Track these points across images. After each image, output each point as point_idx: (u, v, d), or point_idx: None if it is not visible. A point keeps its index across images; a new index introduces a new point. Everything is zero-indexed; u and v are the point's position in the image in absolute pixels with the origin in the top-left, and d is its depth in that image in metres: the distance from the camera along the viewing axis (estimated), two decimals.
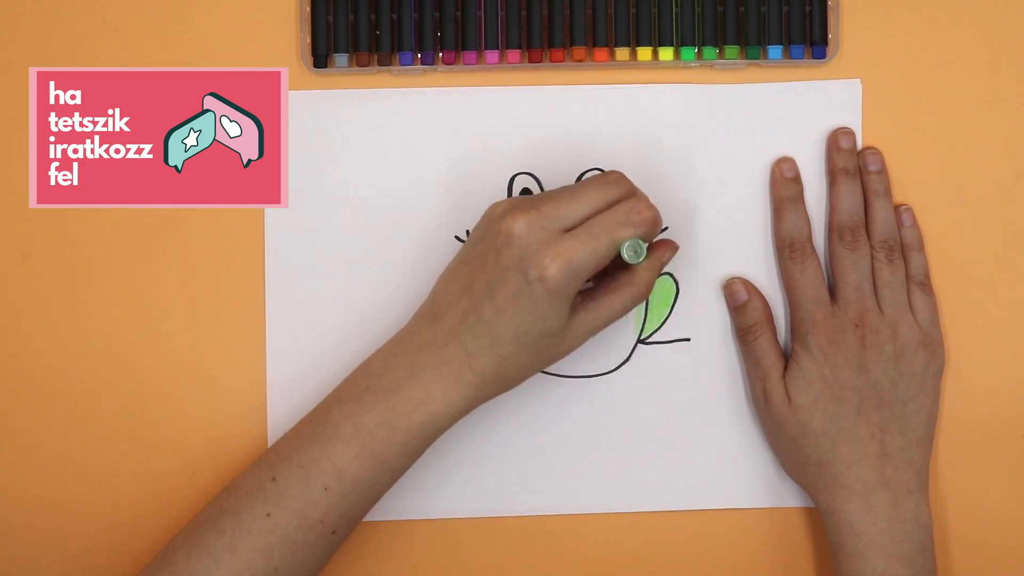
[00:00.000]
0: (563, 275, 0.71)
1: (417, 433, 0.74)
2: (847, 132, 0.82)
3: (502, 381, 0.74)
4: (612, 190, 0.74)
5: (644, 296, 0.75)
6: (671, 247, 0.77)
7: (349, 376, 0.76)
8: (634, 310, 0.82)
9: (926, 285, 0.81)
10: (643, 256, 0.72)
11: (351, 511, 0.74)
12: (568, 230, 0.72)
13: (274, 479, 0.74)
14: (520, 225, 0.72)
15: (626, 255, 0.72)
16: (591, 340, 0.75)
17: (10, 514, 0.82)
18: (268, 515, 0.73)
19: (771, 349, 0.80)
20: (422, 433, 0.74)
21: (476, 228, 0.75)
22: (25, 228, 0.82)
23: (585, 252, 0.71)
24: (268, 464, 0.75)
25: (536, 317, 0.72)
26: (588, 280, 0.74)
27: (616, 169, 0.75)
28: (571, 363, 0.82)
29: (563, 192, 0.74)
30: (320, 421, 0.75)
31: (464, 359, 0.73)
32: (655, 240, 0.76)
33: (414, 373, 0.74)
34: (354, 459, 0.73)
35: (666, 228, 0.82)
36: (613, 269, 0.75)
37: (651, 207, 0.73)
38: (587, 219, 0.73)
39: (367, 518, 0.81)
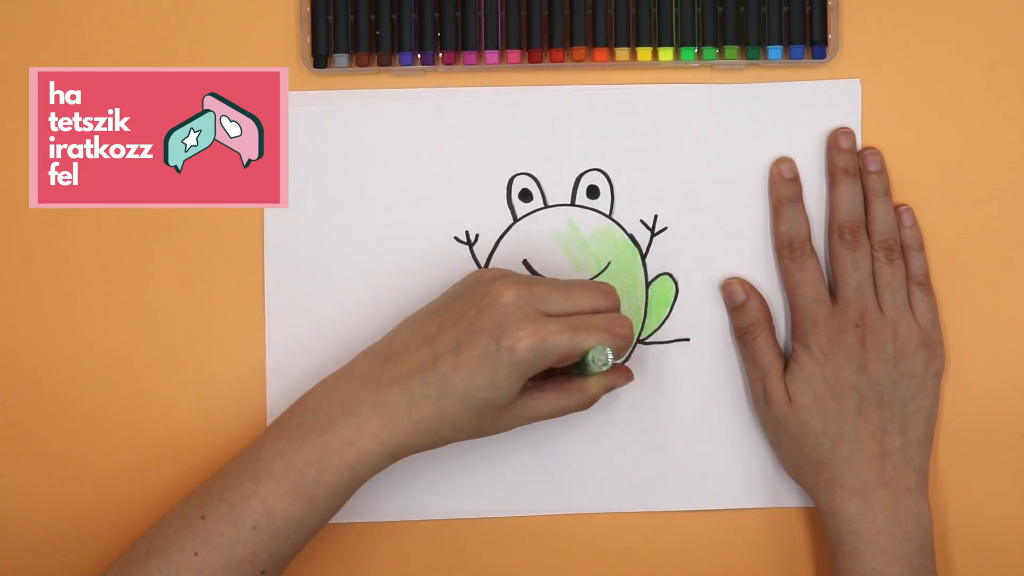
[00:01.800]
0: (532, 352, 0.71)
1: (347, 473, 0.73)
2: (847, 132, 0.82)
3: (433, 435, 0.74)
4: (602, 300, 0.75)
5: (586, 406, 0.76)
6: (627, 374, 0.77)
7: (285, 411, 0.76)
8: (635, 312, 0.82)
9: (926, 285, 0.81)
10: (605, 368, 0.73)
11: (279, 551, 0.74)
12: (551, 317, 0.73)
13: (203, 517, 0.74)
14: (510, 294, 0.73)
15: (591, 360, 0.73)
16: None
17: (10, 512, 0.82)
18: (196, 554, 0.73)
19: (770, 349, 0.80)
20: (351, 474, 0.73)
21: (458, 285, 0.76)
22: (25, 228, 0.82)
23: (562, 340, 0.72)
24: (198, 502, 0.74)
25: (491, 384, 0.72)
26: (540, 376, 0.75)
27: (610, 284, 0.76)
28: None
29: (558, 283, 0.75)
30: (252, 458, 0.74)
31: (406, 404, 0.73)
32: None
33: (350, 410, 0.74)
34: (283, 497, 0.73)
35: (665, 229, 0.83)
36: (566, 372, 0.76)
37: (631, 327, 0.74)
38: (572, 315, 0.74)
39: (366, 519, 0.82)
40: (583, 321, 0.73)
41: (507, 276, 0.75)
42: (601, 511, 0.83)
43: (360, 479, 0.74)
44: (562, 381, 0.76)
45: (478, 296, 0.74)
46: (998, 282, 0.83)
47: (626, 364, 0.82)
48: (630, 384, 0.82)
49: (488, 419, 0.74)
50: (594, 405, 0.81)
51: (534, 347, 0.72)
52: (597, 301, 0.75)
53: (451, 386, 0.73)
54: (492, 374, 0.72)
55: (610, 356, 0.73)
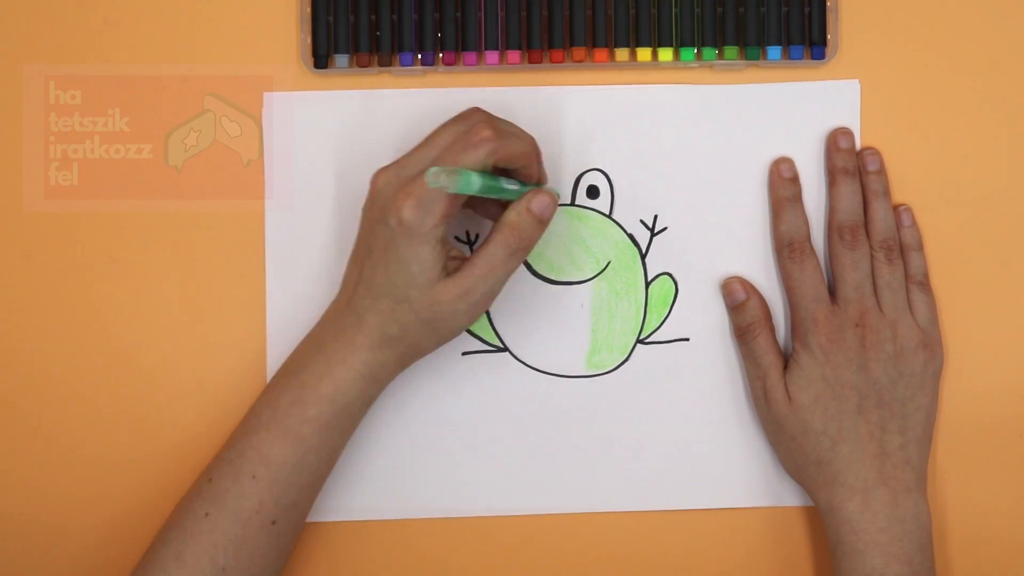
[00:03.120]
0: (416, 212, 0.71)
1: (328, 406, 0.75)
2: (846, 132, 0.82)
3: (390, 342, 0.74)
4: (462, 124, 0.74)
5: (514, 241, 0.73)
6: (545, 194, 0.74)
7: (276, 372, 0.78)
8: (635, 312, 0.82)
9: (925, 285, 0.81)
10: (463, 183, 0.68)
11: (284, 497, 0.75)
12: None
13: (210, 480, 0.76)
14: (381, 180, 0.74)
15: (429, 182, 0.68)
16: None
17: (14, 508, 0.82)
18: (207, 515, 0.75)
19: (770, 348, 0.81)
20: (332, 405, 0.75)
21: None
22: (25, 228, 0.82)
23: (432, 183, 0.70)
24: (207, 469, 0.77)
25: (401, 265, 0.73)
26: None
27: (473, 106, 0.75)
28: (571, 363, 0.82)
29: (421, 141, 0.75)
30: (247, 417, 0.77)
31: (356, 323, 0.75)
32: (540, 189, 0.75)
33: (319, 348, 0.76)
34: (274, 442, 0.75)
35: (665, 229, 0.83)
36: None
37: (488, 126, 0.72)
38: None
39: (366, 518, 0.82)
40: (442, 155, 0.73)
41: (381, 168, 0.75)
42: (601, 510, 0.83)
43: (343, 408, 0.75)
44: (482, 244, 0.74)
45: (367, 199, 0.75)
46: (997, 282, 0.83)
47: (625, 360, 0.82)
48: (630, 384, 0.82)
49: (424, 306, 0.73)
50: (594, 405, 0.82)
51: (414, 208, 0.72)
52: (459, 127, 0.74)
53: (377, 286, 0.74)
54: (397, 254, 0.72)
55: (442, 176, 0.68)
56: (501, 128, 0.74)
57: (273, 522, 0.75)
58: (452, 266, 0.74)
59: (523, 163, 0.75)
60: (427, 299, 0.73)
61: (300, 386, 0.75)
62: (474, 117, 0.75)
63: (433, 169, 0.69)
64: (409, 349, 0.76)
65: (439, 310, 0.74)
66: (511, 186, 0.74)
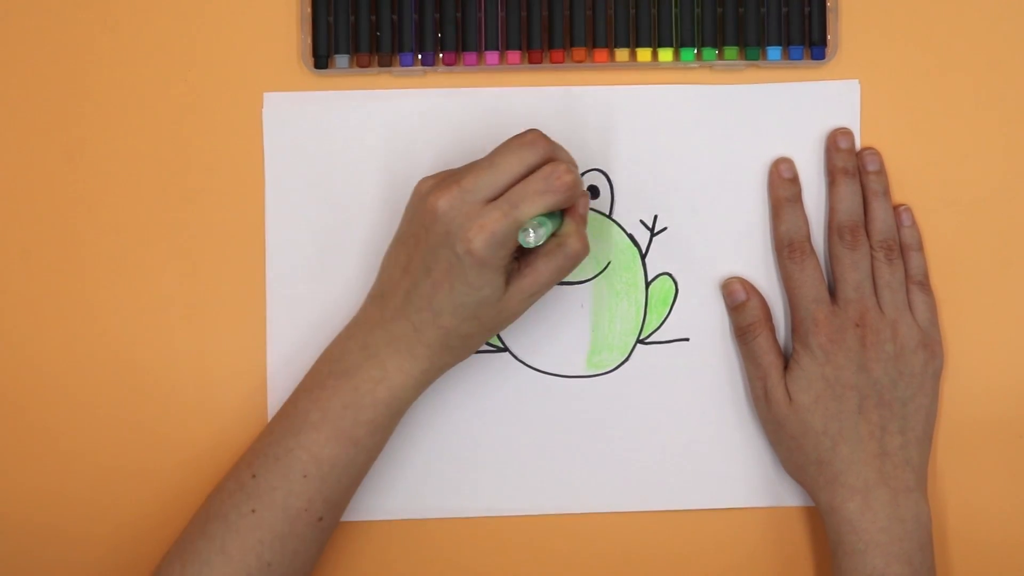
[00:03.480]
0: (488, 246, 0.72)
1: (383, 409, 0.76)
2: (846, 132, 0.82)
3: (450, 350, 0.76)
4: (529, 153, 0.74)
5: (578, 252, 0.75)
6: (584, 196, 0.76)
7: (312, 367, 0.78)
8: (635, 312, 0.82)
9: (925, 285, 0.81)
10: (547, 235, 0.72)
11: (333, 495, 0.76)
12: (492, 199, 0.73)
13: (254, 476, 0.75)
14: (443, 202, 0.73)
15: (521, 240, 0.71)
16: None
17: (12, 510, 0.82)
18: (253, 511, 0.75)
19: (770, 348, 0.81)
20: (388, 409, 0.76)
21: (407, 207, 0.77)
22: (25, 228, 0.82)
23: (507, 222, 0.72)
24: (246, 463, 0.76)
25: (471, 289, 0.73)
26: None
27: (534, 128, 0.75)
28: (571, 363, 0.82)
29: (482, 163, 0.74)
30: (289, 413, 0.77)
31: (412, 334, 0.75)
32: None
33: (370, 353, 0.76)
34: (327, 443, 0.75)
35: (665, 229, 0.83)
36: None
37: (569, 171, 0.73)
38: (509, 186, 0.73)
39: (366, 518, 0.82)
40: (518, 193, 0.73)
41: (438, 184, 0.74)
42: (601, 511, 0.83)
43: (397, 411, 0.76)
44: (544, 245, 0.75)
45: (421, 214, 0.74)
46: (997, 282, 0.83)
47: (625, 361, 0.82)
48: (630, 384, 0.82)
49: (490, 316, 0.75)
50: (594, 405, 0.82)
51: (486, 241, 0.72)
52: (527, 158, 0.74)
53: (439, 305, 0.74)
54: (465, 280, 0.73)
55: (532, 233, 0.71)
56: (573, 166, 0.75)
57: (320, 519, 0.75)
58: (511, 269, 0.75)
59: (578, 201, 0.75)
60: (496, 311, 0.75)
61: (354, 390, 0.75)
62: (539, 146, 0.74)
63: (523, 232, 0.71)
64: (466, 352, 0.77)
65: (504, 315, 0.75)
66: (556, 218, 0.75)
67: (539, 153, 0.74)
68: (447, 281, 0.73)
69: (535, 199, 0.72)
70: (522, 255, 0.75)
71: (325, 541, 0.77)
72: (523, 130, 0.75)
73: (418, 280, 0.74)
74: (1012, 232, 0.83)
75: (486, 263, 0.72)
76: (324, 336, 0.81)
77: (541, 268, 0.75)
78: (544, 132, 0.75)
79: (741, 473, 0.82)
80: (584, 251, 0.75)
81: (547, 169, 0.73)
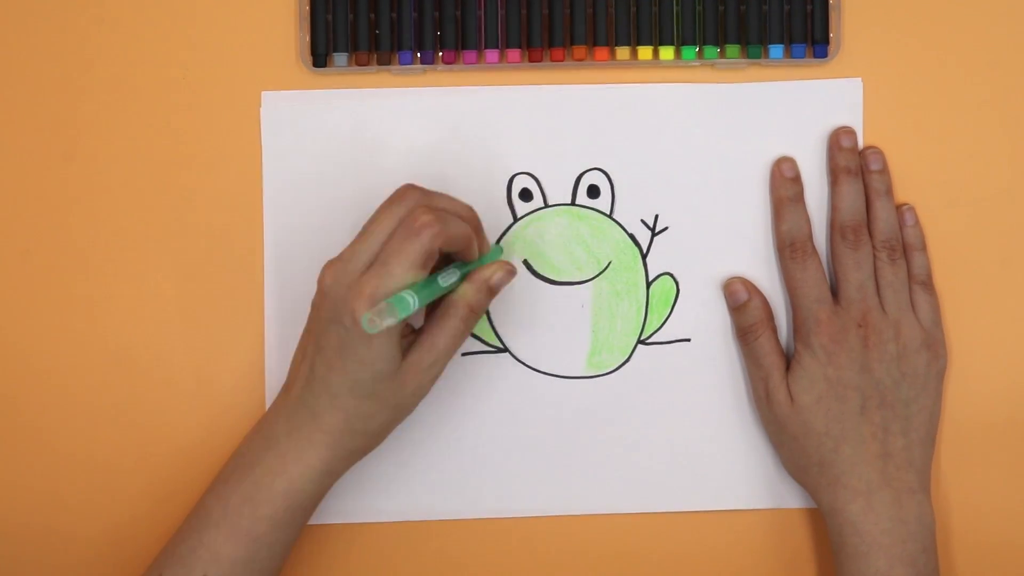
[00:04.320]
0: (371, 315, 0.69)
1: (281, 503, 0.74)
2: (848, 131, 0.81)
3: (353, 435, 0.74)
4: (399, 208, 0.72)
5: (469, 318, 0.73)
6: (498, 266, 0.74)
7: (224, 463, 0.77)
8: (636, 312, 0.82)
9: (928, 285, 0.81)
10: (402, 313, 0.68)
11: None
12: (372, 265, 0.72)
13: (161, 575, 0.75)
14: (328, 278, 0.72)
15: (365, 326, 0.68)
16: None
17: (10, 511, 0.82)
18: None
19: (772, 349, 0.80)
20: (285, 502, 0.74)
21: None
22: (24, 227, 0.82)
23: (384, 283, 0.70)
24: (157, 563, 0.76)
25: (362, 364, 0.71)
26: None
27: (407, 182, 0.74)
28: (571, 363, 0.82)
29: (360, 231, 0.73)
30: (197, 510, 0.76)
31: (311, 421, 0.74)
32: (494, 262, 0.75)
33: (270, 444, 0.75)
34: (226, 541, 0.74)
35: (666, 228, 0.82)
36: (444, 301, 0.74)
37: (429, 211, 0.71)
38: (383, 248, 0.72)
39: (365, 520, 0.82)
40: (386, 250, 0.71)
41: (328, 262, 0.73)
42: (601, 512, 0.82)
43: (298, 505, 0.74)
44: (437, 312, 0.74)
45: (315, 295, 0.74)
46: (1000, 281, 0.82)
47: (626, 361, 0.82)
48: (630, 384, 0.82)
49: (390, 393, 0.73)
50: (594, 405, 0.81)
51: (368, 309, 0.70)
52: (397, 213, 0.72)
53: (335, 385, 0.72)
54: (356, 356, 0.71)
55: (376, 319, 0.67)
56: (440, 208, 0.72)
57: None
58: (407, 341, 0.74)
59: (465, 244, 0.73)
60: (394, 386, 0.73)
61: (253, 483, 0.74)
62: (409, 198, 0.73)
63: (366, 315, 0.68)
64: (371, 438, 0.75)
65: (405, 391, 0.73)
66: (448, 281, 0.73)
67: (408, 205, 0.72)
68: (339, 358, 0.72)
69: (403, 251, 0.70)
70: (422, 326, 0.74)
71: None
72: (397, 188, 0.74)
73: (313, 362, 0.73)
74: (1016, 231, 0.82)
75: (371, 334, 0.70)
76: None
77: (436, 335, 0.73)
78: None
79: (743, 475, 0.82)
80: (474, 316, 0.73)
81: (407, 219, 0.71)
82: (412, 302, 0.69)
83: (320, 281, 0.73)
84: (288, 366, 0.79)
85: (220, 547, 0.74)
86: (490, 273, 0.74)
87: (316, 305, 0.74)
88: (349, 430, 0.74)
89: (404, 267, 0.70)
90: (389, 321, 0.68)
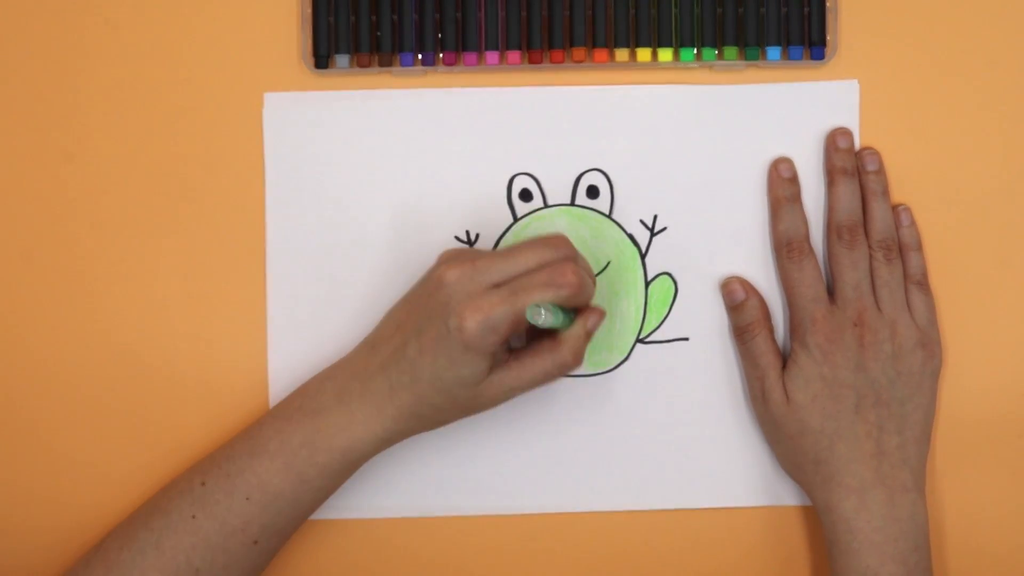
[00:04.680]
0: (479, 329, 0.71)
1: (339, 456, 0.75)
2: (845, 132, 0.82)
3: (418, 419, 0.75)
4: (548, 252, 0.74)
5: (569, 363, 0.75)
6: (598, 313, 0.76)
7: (288, 396, 0.78)
8: (635, 311, 0.83)
9: (924, 285, 0.81)
10: (556, 321, 0.71)
11: (272, 524, 0.76)
12: (499, 286, 0.73)
13: (203, 483, 0.76)
14: (452, 274, 0.73)
15: (529, 316, 0.70)
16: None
17: (11, 510, 0.82)
18: (193, 517, 0.76)
19: (769, 348, 0.81)
20: (343, 457, 0.76)
21: (427, 271, 0.77)
22: (25, 227, 0.82)
23: (504, 309, 0.72)
24: (201, 469, 0.77)
25: (452, 364, 0.73)
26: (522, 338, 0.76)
27: (561, 233, 0.76)
28: None
29: (503, 250, 0.75)
30: (253, 434, 0.77)
31: (387, 392, 0.75)
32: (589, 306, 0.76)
33: (342, 399, 0.76)
34: (277, 473, 0.75)
35: (664, 228, 0.83)
36: (547, 333, 0.75)
37: (577, 272, 0.73)
38: (519, 277, 0.73)
39: (365, 516, 0.82)
40: (522, 282, 0.73)
41: (453, 257, 0.75)
42: (600, 510, 0.83)
43: (352, 463, 0.76)
44: (537, 344, 0.75)
45: (430, 280, 0.75)
46: (996, 281, 0.83)
47: (625, 360, 0.82)
48: (629, 383, 0.82)
49: (466, 396, 0.74)
50: (592, 405, 0.82)
51: (479, 323, 0.71)
52: (546, 256, 0.74)
53: (420, 370, 0.74)
54: (449, 355, 0.73)
55: (543, 312, 0.70)
56: (583, 271, 0.74)
57: (255, 542, 0.76)
58: (500, 359, 0.75)
59: (583, 305, 0.75)
60: (471, 394, 0.74)
61: (316, 430, 0.76)
62: (562, 247, 0.74)
63: (532, 307, 0.70)
64: (433, 424, 0.77)
65: (480, 402, 0.75)
66: (568, 318, 0.75)
67: (558, 254, 0.74)
68: (432, 350, 0.73)
69: (535, 291, 0.72)
70: (515, 349, 0.75)
71: (262, 564, 0.77)
72: (550, 233, 0.76)
73: (408, 340, 0.74)
74: (1011, 232, 0.83)
75: (472, 345, 0.72)
76: (324, 336, 0.81)
77: (528, 366, 0.75)
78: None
79: (739, 472, 0.83)
80: (575, 364, 0.75)
81: (556, 266, 0.73)
82: (560, 320, 0.72)
83: (441, 270, 0.74)
84: (289, 363, 0.80)
85: (269, 478, 0.75)
86: (587, 319, 0.75)
87: (428, 289, 0.75)
88: (416, 414, 0.75)
89: (530, 305, 0.72)
90: (547, 322, 0.70)
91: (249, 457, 0.76)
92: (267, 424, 0.77)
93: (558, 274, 0.73)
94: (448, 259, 0.75)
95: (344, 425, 0.75)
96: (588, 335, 0.75)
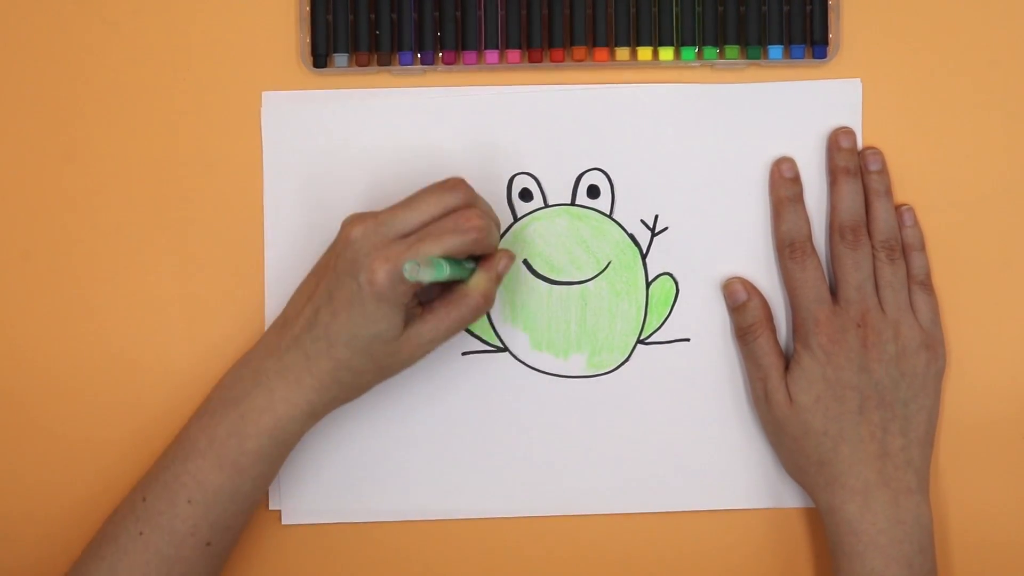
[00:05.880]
0: (389, 278, 0.72)
1: (267, 439, 0.75)
2: (847, 132, 0.82)
3: (339, 385, 0.75)
4: (449, 197, 0.74)
5: (481, 307, 0.75)
6: (507, 255, 0.76)
7: (208, 394, 0.78)
8: (636, 312, 0.82)
9: (927, 285, 0.81)
10: (440, 274, 0.71)
11: (220, 521, 0.76)
12: (406, 236, 0.73)
13: (144, 499, 0.76)
14: (357, 231, 0.74)
15: (407, 274, 0.70)
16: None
17: (9, 510, 0.82)
18: (141, 534, 0.76)
19: (771, 349, 0.80)
20: (272, 439, 0.75)
21: (334, 239, 0.77)
22: (24, 227, 0.82)
23: (413, 257, 0.72)
24: (139, 487, 0.77)
25: (367, 320, 0.73)
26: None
27: (457, 176, 0.76)
28: (571, 363, 0.82)
29: (403, 201, 0.75)
30: (181, 439, 0.77)
31: (304, 363, 0.75)
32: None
33: (259, 380, 0.76)
34: (211, 470, 0.75)
35: (666, 229, 0.82)
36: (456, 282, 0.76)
37: (482, 216, 0.74)
38: (423, 226, 0.74)
39: (364, 520, 0.82)
40: (428, 230, 0.73)
41: (356, 217, 0.75)
42: (601, 512, 0.83)
43: (283, 443, 0.76)
44: (447, 293, 0.75)
45: (336, 243, 0.75)
46: (999, 282, 0.83)
47: (626, 361, 0.82)
48: (630, 384, 0.82)
49: (385, 354, 0.74)
50: (594, 405, 0.82)
51: (389, 273, 0.72)
52: (447, 201, 0.74)
53: (335, 334, 0.74)
54: (363, 311, 0.73)
55: (420, 268, 0.69)
56: (486, 215, 0.75)
57: (208, 543, 0.76)
58: (413, 313, 0.75)
59: (490, 250, 0.75)
60: (390, 350, 0.74)
61: (240, 417, 0.75)
62: (460, 191, 0.75)
63: (409, 264, 0.70)
64: (356, 391, 0.76)
65: (400, 358, 0.75)
66: (470, 266, 0.75)
67: (459, 198, 0.74)
68: (346, 310, 0.73)
69: (442, 238, 0.73)
70: (427, 301, 0.75)
71: (218, 566, 0.77)
72: (448, 177, 0.76)
73: (319, 307, 0.75)
74: (1014, 232, 0.83)
75: (385, 296, 0.72)
76: None
77: (442, 315, 0.75)
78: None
79: (742, 474, 0.82)
80: (485, 306, 0.75)
81: (460, 212, 0.74)
82: (446, 270, 0.71)
83: (346, 230, 0.74)
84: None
85: (205, 475, 0.75)
86: (498, 261, 0.76)
87: (335, 252, 0.75)
88: (336, 380, 0.75)
89: (438, 251, 0.72)
90: (426, 276, 0.70)
91: (183, 461, 0.76)
92: (192, 424, 0.77)
93: (463, 219, 0.73)
94: (351, 220, 0.75)
95: (265, 406, 0.75)
96: (499, 278, 0.76)
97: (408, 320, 0.74)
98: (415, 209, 0.74)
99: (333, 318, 0.74)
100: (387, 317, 0.73)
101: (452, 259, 0.73)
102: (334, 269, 0.74)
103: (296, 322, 0.76)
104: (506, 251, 0.76)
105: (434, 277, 0.70)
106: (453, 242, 0.73)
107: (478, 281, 0.75)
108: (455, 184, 0.75)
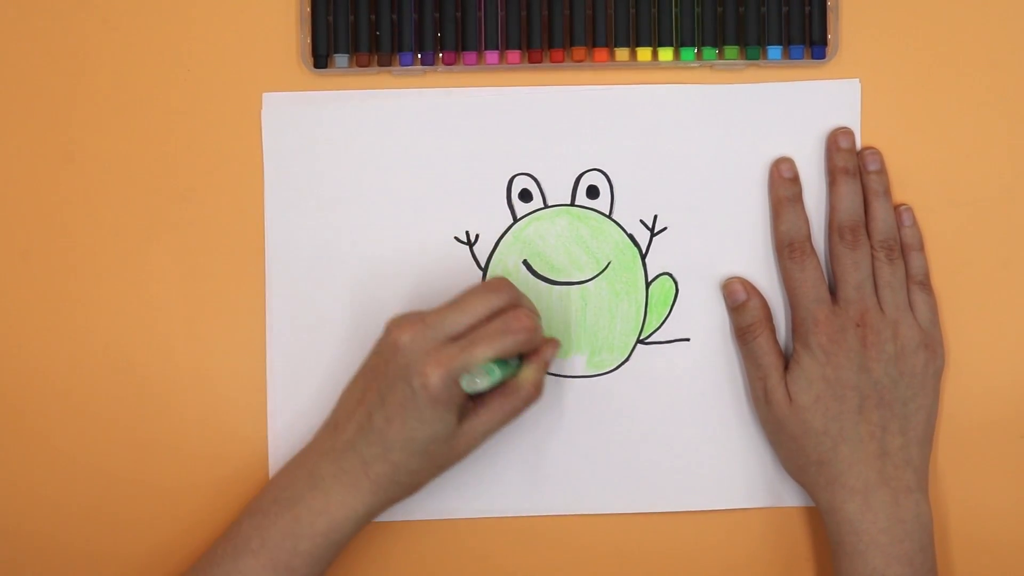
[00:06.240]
0: (443, 382, 0.73)
1: (321, 541, 0.76)
2: (846, 132, 0.82)
3: (397, 486, 0.76)
4: (495, 298, 0.75)
5: (533, 396, 0.76)
6: (553, 344, 0.77)
7: (260, 492, 0.78)
8: (635, 312, 0.82)
9: (926, 285, 0.81)
10: (494, 379, 0.74)
11: None
12: (454, 339, 0.74)
13: None
14: (406, 336, 0.74)
15: (466, 387, 0.73)
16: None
17: (9, 513, 0.82)
18: None
19: (771, 348, 0.80)
20: (326, 540, 0.76)
21: (377, 341, 0.77)
22: (24, 228, 0.82)
23: (465, 360, 0.73)
24: None
25: (422, 424, 0.74)
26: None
27: (502, 276, 0.77)
28: (571, 363, 0.82)
29: (449, 303, 0.76)
30: (232, 535, 0.77)
31: (360, 467, 0.75)
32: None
33: (315, 483, 0.76)
34: (262, 570, 0.75)
35: (665, 229, 0.83)
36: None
37: (530, 316, 0.75)
38: (472, 328, 0.74)
39: None
40: (479, 334, 0.74)
41: (402, 320, 0.75)
42: (601, 512, 0.83)
43: (335, 543, 0.76)
44: (501, 387, 0.76)
45: (384, 347, 0.76)
46: (998, 281, 0.83)
47: (626, 361, 0.82)
48: (630, 384, 0.82)
49: (441, 454, 0.75)
50: (594, 405, 0.82)
51: (442, 377, 0.73)
52: (493, 302, 0.75)
53: (390, 439, 0.74)
54: (419, 415, 0.74)
55: (478, 380, 0.73)
56: (532, 313, 0.76)
57: None
58: (465, 408, 0.76)
59: (536, 348, 0.77)
60: (446, 448, 0.75)
61: (294, 519, 0.76)
62: (506, 292, 0.76)
63: (466, 378, 0.73)
64: (412, 489, 0.77)
65: (456, 454, 0.76)
66: (515, 362, 0.76)
67: (504, 299, 0.75)
68: (400, 415, 0.74)
69: (493, 340, 0.74)
70: (477, 396, 0.76)
71: None
72: (492, 278, 0.77)
73: (372, 411, 0.75)
74: (1013, 231, 0.83)
75: (440, 399, 0.73)
76: (323, 336, 0.81)
77: (495, 409, 0.76)
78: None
79: (741, 474, 0.82)
80: (537, 396, 0.76)
81: (509, 313, 0.75)
82: (498, 374, 0.74)
83: (394, 335, 0.75)
84: (288, 366, 0.79)
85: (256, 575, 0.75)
86: (545, 351, 0.77)
87: (384, 356, 0.75)
88: (395, 481, 0.76)
89: (491, 354, 0.73)
90: (483, 385, 0.73)
91: (233, 559, 0.76)
92: (245, 522, 0.77)
93: (513, 320, 0.74)
94: (397, 323, 0.75)
95: (321, 509, 0.75)
96: (547, 366, 0.77)
97: (461, 416, 0.75)
98: (463, 311, 0.75)
99: (388, 423, 0.74)
100: (442, 419, 0.74)
101: (506, 364, 0.75)
102: (384, 374, 0.75)
103: (348, 426, 0.76)
104: (552, 340, 0.77)
105: (489, 384, 0.73)
106: (505, 343, 0.74)
107: (528, 373, 0.76)
108: (500, 284, 0.76)
